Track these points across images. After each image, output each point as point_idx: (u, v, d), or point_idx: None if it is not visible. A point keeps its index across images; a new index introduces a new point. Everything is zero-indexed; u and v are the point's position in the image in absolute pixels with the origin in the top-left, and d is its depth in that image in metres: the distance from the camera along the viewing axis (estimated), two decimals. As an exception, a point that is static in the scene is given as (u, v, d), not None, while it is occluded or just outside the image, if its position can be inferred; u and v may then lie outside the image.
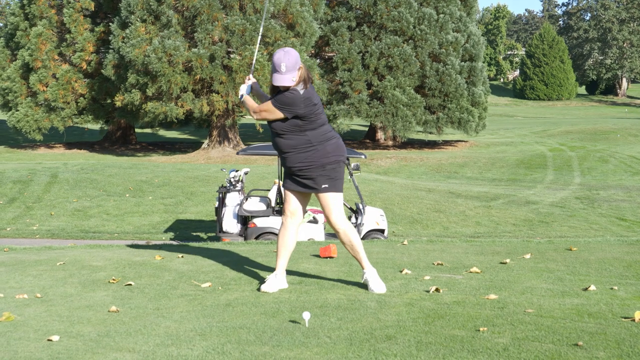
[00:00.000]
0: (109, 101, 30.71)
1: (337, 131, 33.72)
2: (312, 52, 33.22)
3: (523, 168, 27.41)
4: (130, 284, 5.42)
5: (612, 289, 5.04)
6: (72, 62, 31.27)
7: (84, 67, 30.98)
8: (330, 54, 34.63)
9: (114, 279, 5.57)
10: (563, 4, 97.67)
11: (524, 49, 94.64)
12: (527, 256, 6.39)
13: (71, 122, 33.20)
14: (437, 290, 4.98)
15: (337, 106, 33.12)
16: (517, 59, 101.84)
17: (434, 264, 6.13)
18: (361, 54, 33.04)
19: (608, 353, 3.57)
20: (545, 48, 77.55)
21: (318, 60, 33.72)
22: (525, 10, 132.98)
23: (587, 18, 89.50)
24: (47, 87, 31.00)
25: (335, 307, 4.60)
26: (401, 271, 5.75)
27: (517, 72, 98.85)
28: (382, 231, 11.84)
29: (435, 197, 18.93)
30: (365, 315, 4.38)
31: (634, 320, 4.14)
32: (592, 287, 5.01)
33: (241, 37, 26.73)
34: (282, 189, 12.01)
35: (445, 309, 4.49)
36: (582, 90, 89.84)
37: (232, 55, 27.25)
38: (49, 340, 3.98)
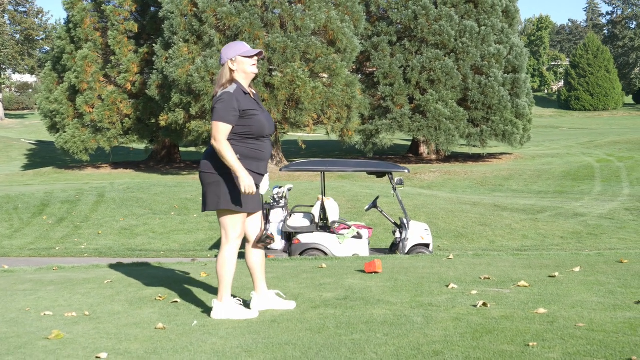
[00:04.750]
0: (153, 121, 31.17)
1: (380, 146, 33.71)
2: (354, 67, 33.28)
3: (570, 180, 26.96)
4: (176, 301, 5.46)
5: (666, 301, 4.91)
6: (117, 83, 31.82)
7: (129, 88, 31.50)
8: (371, 69, 34.63)
9: (160, 297, 5.61)
10: (607, 13, 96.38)
11: (568, 59, 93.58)
12: (577, 269, 6.26)
13: (117, 143, 33.73)
14: (484, 304, 4.90)
15: (379, 121, 33.07)
16: (561, 70, 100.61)
17: (480, 278, 6.04)
18: (402, 69, 32.97)
19: (664, 368, 3.47)
20: (590, 58, 76.51)
21: (359, 76, 33.75)
22: (569, 20, 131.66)
23: (633, 26, 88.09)
24: (93, 108, 31.58)
25: (381, 323, 4.56)
26: (447, 286, 5.69)
27: (561, 83, 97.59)
28: (427, 246, 11.73)
29: (481, 211, 18.71)
30: (412, 330, 4.33)
31: (690, 333, 4.02)
32: (645, 300, 4.89)
33: (282, 55, 26.90)
34: (324, 205, 12.01)
35: (493, 323, 4.41)
36: (629, 99, 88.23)
37: (273, 73, 27.43)
38: (97, 357, 4.02)
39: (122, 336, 4.49)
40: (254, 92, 5.02)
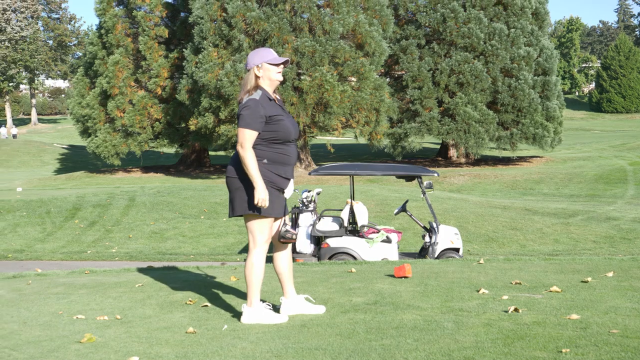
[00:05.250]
0: (183, 125, 31.41)
1: (409, 150, 33.61)
2: (382, 71, 33.24)
3: (602, 183, 26.63)
4: (206, 305, 5.48)
5: (702, 308, 4.82)
6: (147, 88, 32.13)
7: (159, 93, 31.78)
8: (400, 73, 34.58)
9: (190, 300, 5.64)
10: (639, 14, 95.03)
11: (599, 61, 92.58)
12: (610, 274, 6.17)
13: (147, 147, 34.05)
14: (516, 310, 4.85)
15: (408, 124, 32.98)
16: (592, 72, 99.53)
17: (511, 283, 5.98)
18: (431, 72, 32.85)
19: (701, 376, 3.40)
20: (622, 59, 75.62)
21: (388, 79, 33.70)
22: (600, 21, 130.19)
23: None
24: (124, 113, 31.92)
25: (412, 328, 4.53)
26: (478, 291, 5.64)
27: (592, 85, 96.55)
28: (457, 250, 11.66)
29: (511, 215, 18.55)
30: (442, 336, 4.30)
31: None
32: (681, 306, 4.80)
33: (311, 59, 26.94)
34: (353, 208, 11.99)
35: (525, 329, 4.37)
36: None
37: (302, 77, 27.49)
38: (128, 361, 4.05)
39: (153, 340, 4.52)
40: (278, 98, 5.04)
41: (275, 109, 4.89)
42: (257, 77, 4.92)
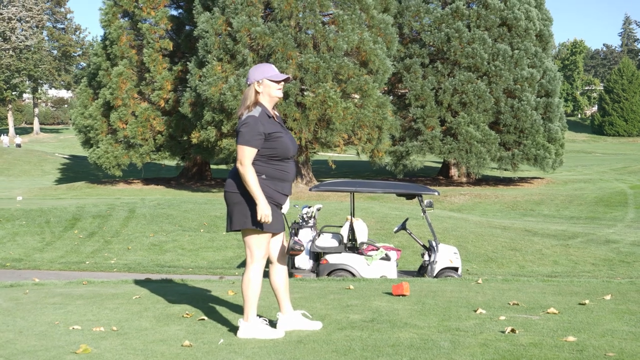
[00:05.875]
0: (185, 138, 31.47)
1: (410, 168, 33.63)
2: (385, 88, 33.34)
3: (602, 206, 26.62)
4: (203, 319, 5.47)
5: (699, 333, 4.81)
6: (150, 100, 32.23)
7: (162, 105, 31.87)
8: (403, 91, 34.69)
9: (187, 314, 5.63)
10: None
11: (602, 84, 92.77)
12: (608, 297, 6.16)
13: (149, 159, 34.10)
14: (512, 331, 4.84)
15: (410, 142, 33.03)
16: (595, 95, 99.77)
17: (509, 303, 5.97)
18: (434, 91, 32.95)
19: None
20: (625, 83, 75.83)
21: (391, 97, 33.79)
22: (603, 45, 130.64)
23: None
24: (126, 124, 31.99)
25: (408, 347, 4.52)
26: (475, 310, 5.63)
27: (595, 108, 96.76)
28: (456, 269, 11.64)
29: (511, 235, 18.54)
30: (439, 355, 4.29)
31: None
32: (678, 331, 4.79)
33: (315, 75, 27.03)
34: (353, 225, 11.98)
35: (521, 350, 4.36)
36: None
37: (305, 93, 27.57)
38: (123, 373, 4.04)
39: (148, 352, 4.51)
40: (277, 115, 5.05)
41: (274, 126, 4.90)
42: (257, 92, 4.93)
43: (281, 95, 4.97)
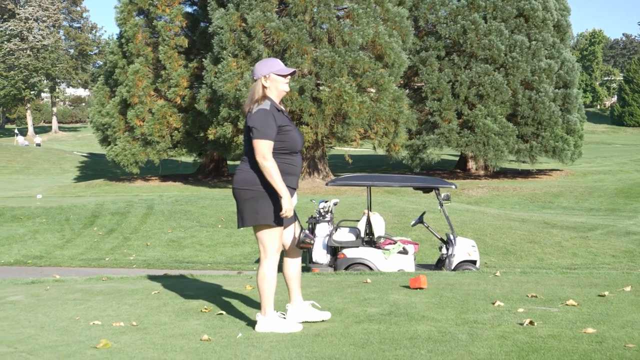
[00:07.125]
0: (202, 134, 31.58)
1: (427, 161, 33.52)
2: (401, 82, 33.22)
3: (622, 197, 26.40)
4: (221, 313, 5.50)
5: None
6: (167, 97, 32.33)
7: (178, 102, 31.97)
8: (419, 84, 34.54)
9: (206, 308, 5.66)
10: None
11: (621, 74, 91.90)
12: (628, 289, 6.13)
13: (166, 155, 34.24)
14: (531, 323, 4.82)
15: (427, 136, 32.91)
16: (614, 85, 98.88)
17: (528, 296, 5.95)
18: (451, 83, 32.79)
19: None
20: (644, 73, 75.03)
21: (407, 91, 33.68)
22: (623, 34, 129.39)
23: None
24: (143, 121, 32.13)
25: (426, 339, 4.52)
26: (493, 303, 5.62)
27: (614, 99, 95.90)
28: (474, 262, 11.61)
29: (529, 228, 18.44)
30: (456, 347, 4.29)
31: None
32: (699, 322, 4.75)
33: (330, 69, 27.00)
34: (370, 219, 11.98)
35: (540, 342, 4.34)
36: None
37: (321, 87, 27.54)
38: (143, 367, 4.07)
39: (168, 347, 4.55)
40: (283, 109, 5.08)
41: (283, 119, 4.93)
42: (264, 87, 4.95)
43: (288, 89, 5.00)
